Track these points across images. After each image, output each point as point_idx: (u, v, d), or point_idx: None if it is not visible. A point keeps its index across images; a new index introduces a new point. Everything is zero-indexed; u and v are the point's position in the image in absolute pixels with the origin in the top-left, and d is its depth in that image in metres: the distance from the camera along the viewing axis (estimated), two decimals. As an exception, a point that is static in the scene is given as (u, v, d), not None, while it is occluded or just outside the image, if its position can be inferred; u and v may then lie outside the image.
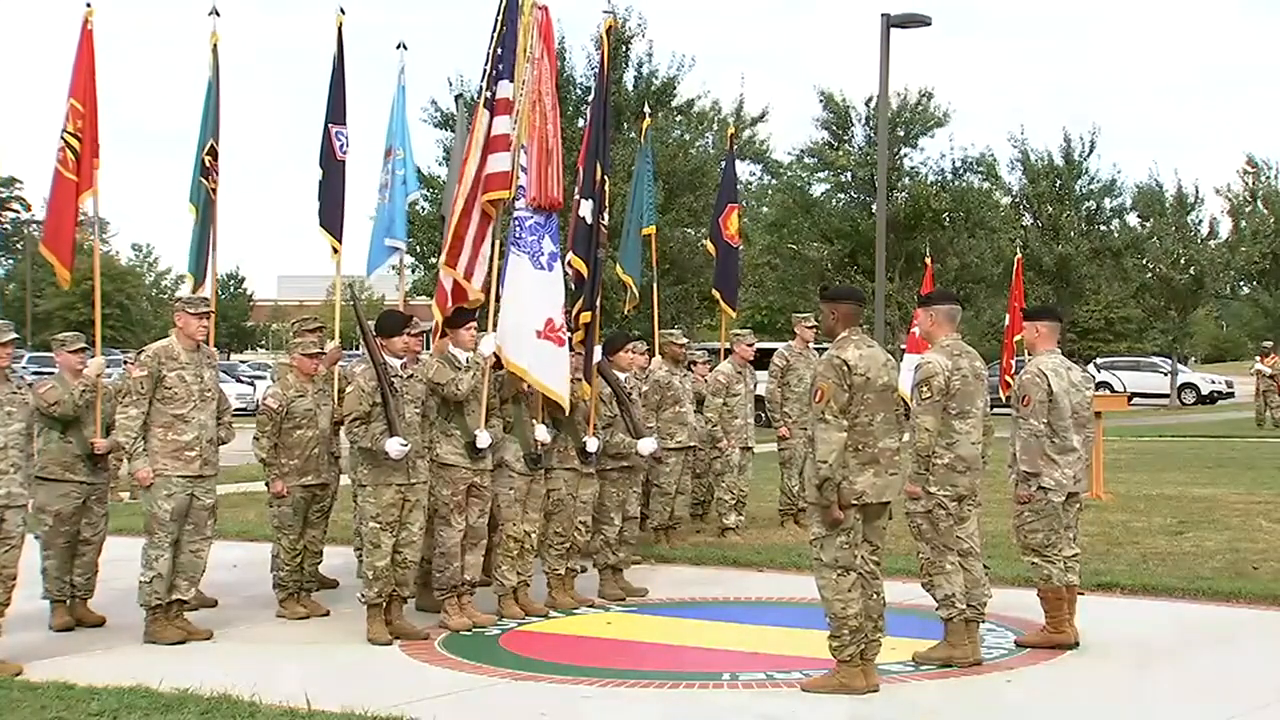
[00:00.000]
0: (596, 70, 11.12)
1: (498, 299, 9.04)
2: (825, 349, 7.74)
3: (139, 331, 55.88)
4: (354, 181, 10.12)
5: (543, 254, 8.93)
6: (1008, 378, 17.54)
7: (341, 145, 9.93)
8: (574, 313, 9.28)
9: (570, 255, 9.35)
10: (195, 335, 8.45)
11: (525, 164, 8.96)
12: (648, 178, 13.10)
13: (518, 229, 8.93)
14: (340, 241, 9.95)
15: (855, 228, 33.70)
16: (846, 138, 34.97)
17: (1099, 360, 42.25)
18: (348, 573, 9.91)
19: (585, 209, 9.32)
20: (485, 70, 9.03)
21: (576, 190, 9.57)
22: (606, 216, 9.51)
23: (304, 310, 31.15)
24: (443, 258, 8.88)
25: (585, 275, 9.30)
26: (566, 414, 9.04)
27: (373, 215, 10.65)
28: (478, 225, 8.88)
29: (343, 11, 10.04)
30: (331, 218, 9.91)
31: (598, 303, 9.37)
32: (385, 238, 10.40)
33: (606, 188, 9.46)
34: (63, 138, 8.76)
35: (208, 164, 9.81)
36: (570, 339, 9.11)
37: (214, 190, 9.82)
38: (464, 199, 8.86)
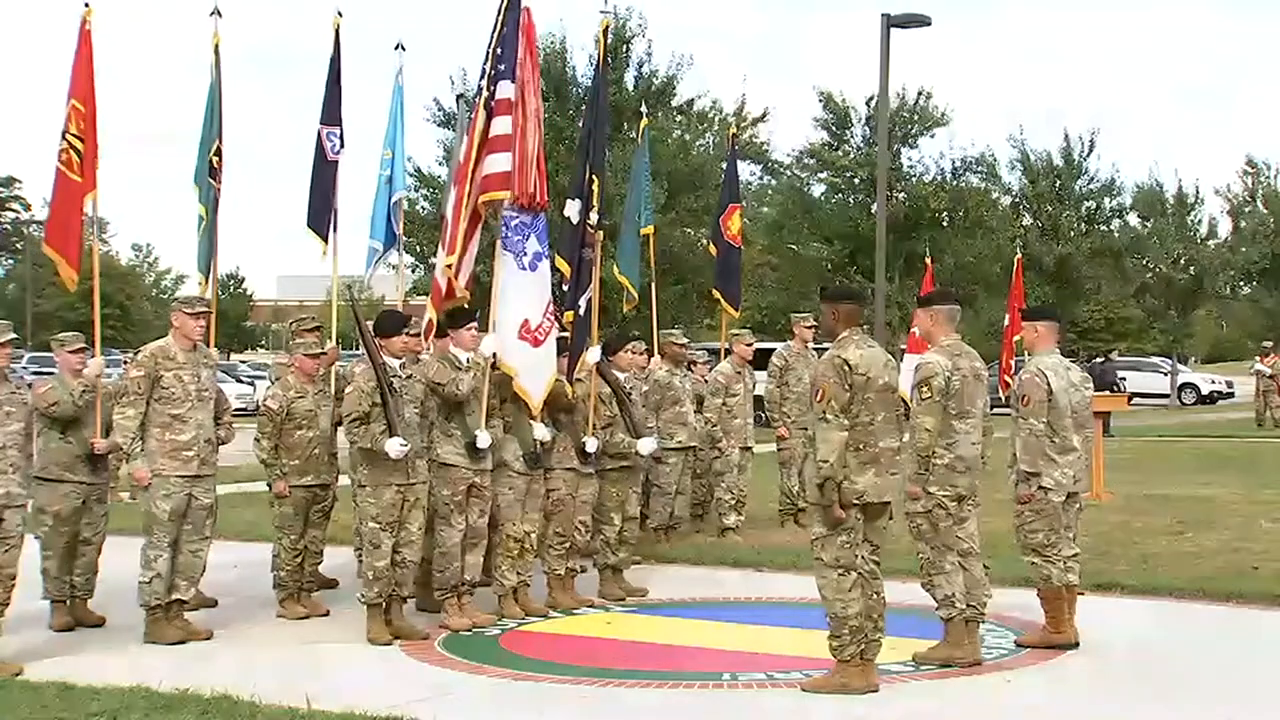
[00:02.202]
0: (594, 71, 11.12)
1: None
2: (825, 349, 7.74)
3: (139, 331, 55.82)
4: (353, 183, 10.13)
5: (526, 254, 8.92)
6: (1007, 378, 17.55)
7: (333, 146, 9.91)
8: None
9: (555, 255, 9.35)
10: (192, 335, 8.43)
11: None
12: (645, 177, 13.09)
13: (504, 229, 8.94)
14: (327, 242, 9.93)
15: (855, 228, 33.73)
16: (846, 138, 35.01)
17: (1098, 360, 42.21)
18: (348, 573, 9.91)
19: (571, 209, 9.32)
20: (485, 70, 9.03)
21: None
22: (596, 216, 9.48)
23: (304, 310, 31.09)
24: (443, 255, 8.87)
25: (567, 275, 9.30)
26: (536, 414, 8.96)
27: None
28: (468, 224, 8.90)
29: (340, 14, 10.05)
30: (319, 218, 9.90)
31: (581, 302, 9.36)
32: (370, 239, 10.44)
33: (595, 188, 9.44)
34: (65, 139, 8.72)
35: (215, 165, 9.81)
36: (556, 339, 9.09)
37: (218, 191, 9.83)
38: (468, 199, 8.86)
